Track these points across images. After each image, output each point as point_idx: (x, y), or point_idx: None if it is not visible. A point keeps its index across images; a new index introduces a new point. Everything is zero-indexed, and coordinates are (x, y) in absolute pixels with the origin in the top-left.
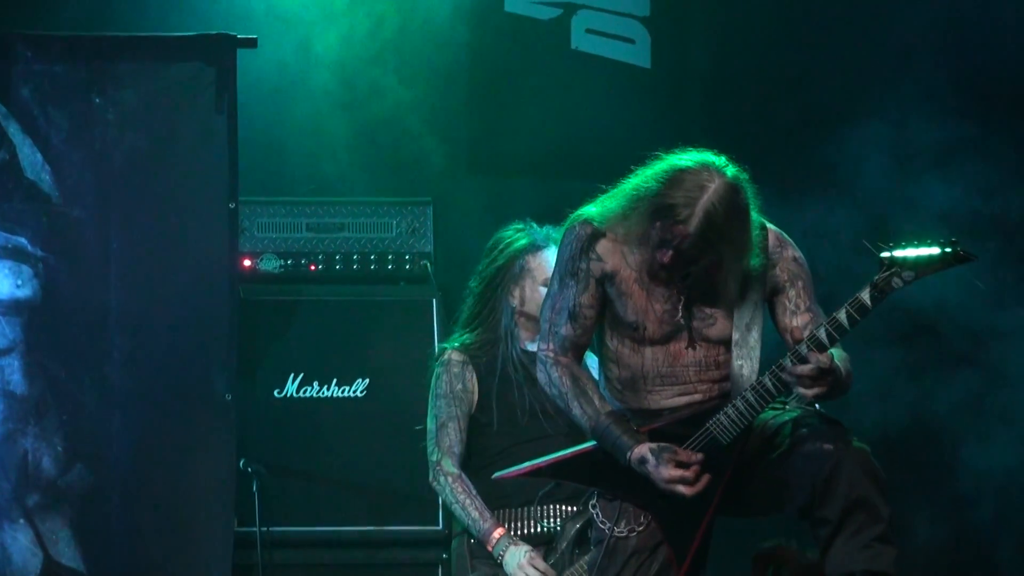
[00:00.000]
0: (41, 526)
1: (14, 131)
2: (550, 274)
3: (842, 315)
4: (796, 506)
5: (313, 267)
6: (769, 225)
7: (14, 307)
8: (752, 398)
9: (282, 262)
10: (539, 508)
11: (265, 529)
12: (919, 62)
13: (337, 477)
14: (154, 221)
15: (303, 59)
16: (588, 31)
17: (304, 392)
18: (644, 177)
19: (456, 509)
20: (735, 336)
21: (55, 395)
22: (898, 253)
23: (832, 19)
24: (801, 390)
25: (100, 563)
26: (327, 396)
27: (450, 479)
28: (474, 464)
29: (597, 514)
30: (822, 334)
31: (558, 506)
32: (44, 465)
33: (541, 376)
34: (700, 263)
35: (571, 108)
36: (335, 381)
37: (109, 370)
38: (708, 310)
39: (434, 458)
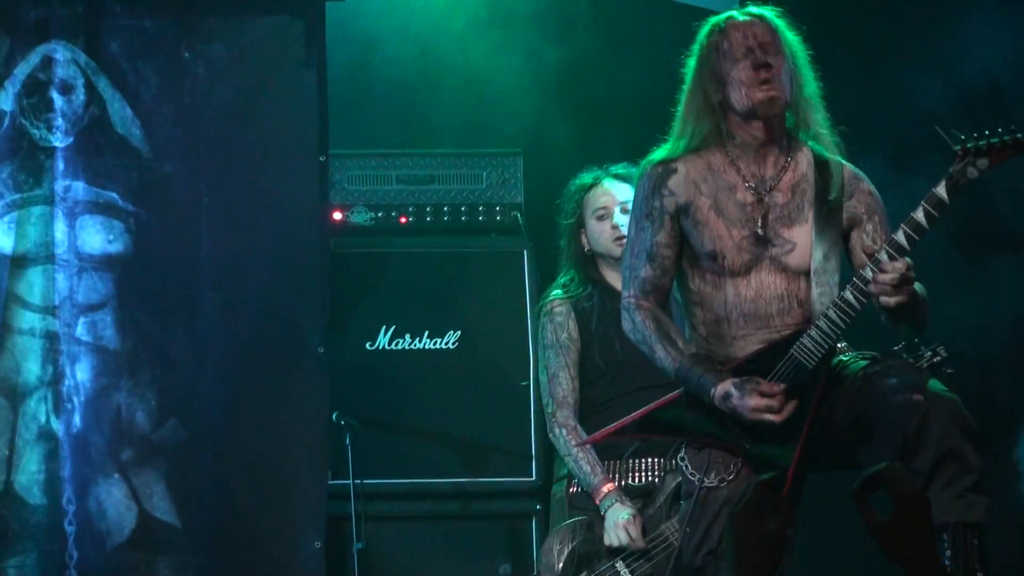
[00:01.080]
0: (135, 480)
1: (104, 86)
2: (601, 204)
3: (919, 214)
4: (887, 457)
5: (404, 219)
6: (844, 161)
7: (106, 262)
8: (835, 315)
9: (373, 215)
10: (643, 460)
11: (359, 481)
12: None
13: (429, 429)
14: (244, 175)
15: (391, 11)
16: None
17: (396, 344)
18: (683, 85)
19: (569, 461)
20: (814, 265)
21: (147, 350)
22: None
23: None
24: (883, 298)
25: (194, 517)
26: (419, 348)
27: (565, 431)
28: (582, 412)
29: (686, 466)
30: (900, 237)
31: (659, 459)
32: (137, 420)
33: (626, 324)
34: (780, 47)
35: (661, 54)
36: (427, 333)
37: (201, 324)
38: (786, 234)
39: (549, 409)
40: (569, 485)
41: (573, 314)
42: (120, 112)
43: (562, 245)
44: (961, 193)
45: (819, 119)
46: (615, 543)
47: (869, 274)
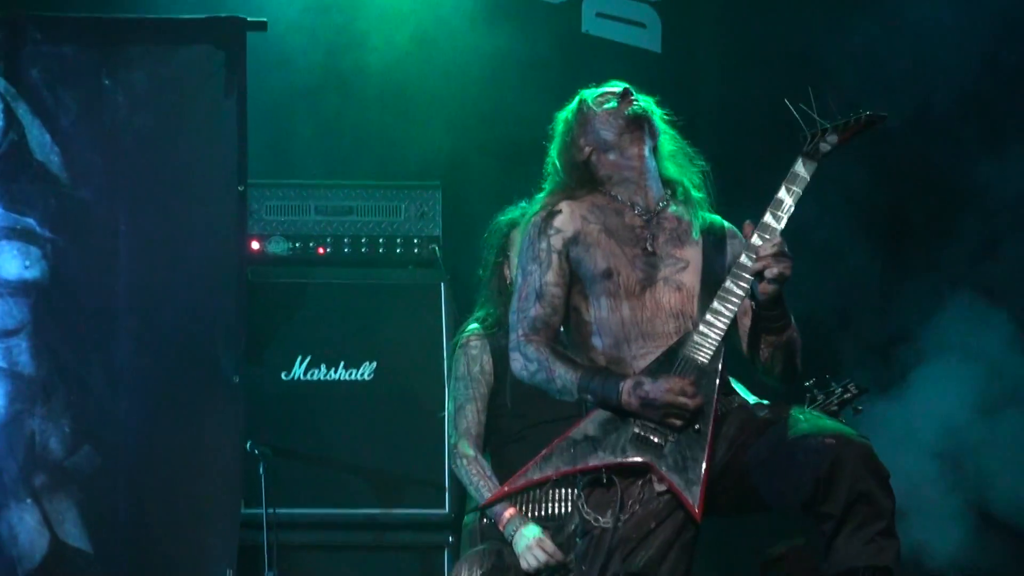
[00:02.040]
0: (48, 506)
1: (23, 112)
2: None
3: (781, 192)
4: (799, 501)
5: (321, 250)
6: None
7: (22, 288)
8: (719, 306)
9: (290, 245)
10: (555, 491)
11: (272, 511)
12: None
13: (344, 460)
14: (163, 203)
15: (312, 43)
16: (599, 15)
17: (311, 375)
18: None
19: (471, 490)
20: (703, 288)
21: (62, 376)
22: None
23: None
24: (766, 272)
25: (106, 543)
26: (334, 379)
27: (466, 461)
28: (492, 444)
29: (583, 505)
30: (767, 217)
31: (569, 489)
32: (51, 446)
33: (515, 363)
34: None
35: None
36: (342, 364)
37: (117, 352)
38: (678, 253)
39: (452, 441)
40: (481, 516)
41: (489, 349)
42: (39, 138)
43: (482, 277)
44: (820, 167)
45: (687, 175)
46: (533, 564)
47: (745, 259)
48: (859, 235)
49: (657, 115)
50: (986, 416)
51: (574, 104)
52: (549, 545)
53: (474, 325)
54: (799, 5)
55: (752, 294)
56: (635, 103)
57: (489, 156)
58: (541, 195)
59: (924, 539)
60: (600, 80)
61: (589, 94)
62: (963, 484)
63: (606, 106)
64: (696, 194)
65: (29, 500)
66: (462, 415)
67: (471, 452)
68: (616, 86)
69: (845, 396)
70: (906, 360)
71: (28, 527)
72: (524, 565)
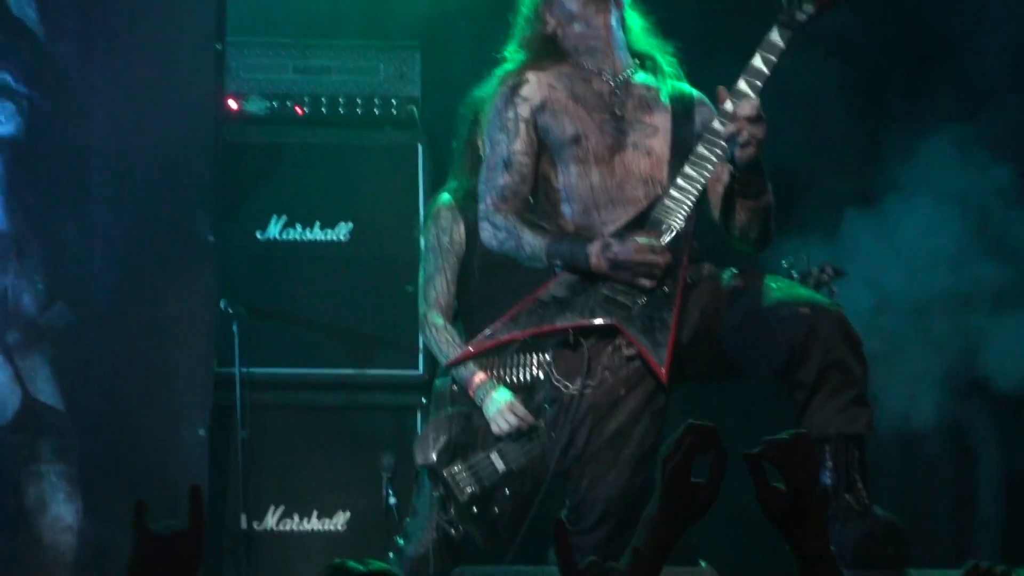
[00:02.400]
0: (20, 363)
1: None
2: None
3: (756, 60)
4: (772, 369)
5: (299, 109)
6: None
7: None
8: (691, 171)
9: (268, 104)
10: (525, 356)
11: (245, 370)
12: None
13: (318, 320)
14: (140, 61)
15: None
16: None
17: (287, 235)
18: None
19: (441, 359)
20: (672, 154)
21: (36, 233)
22: None
23: None
24: (740, 139)
25: (79, 401)
26: (310, 239)
27: (435, 330)
28: (461, 309)
29: (552, 372)
30: (741, 84)
31: (538, 354)
32: (24, 303)
33: (485, 232)
34: None
35: None
36: (318, 224)
37: (92, 209)
38: (647, 119)
39: (421, 311)
40: (452, 380)
41: (460, 219)
42: None
43: (455, 149)
44: (795, 36)
45: (655, 47)
46: (504, 428)
47: (719, 126)
48: (842, 87)
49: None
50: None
51: None
52: (520, 409)
53: (446, 196)
54: None
55: (730, 159)
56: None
57: (470, 18)
58: (506, 67)
59: (904, 402)
60: None
61: None
62: (943, 344)
63: None
64: (665, 65)
65: (1, 357)
66: (431, 286)
67: (440, 322)
68: None
69: (822, 278)
70: (892, 209)
71: (0, 384)
72: (495, 429)
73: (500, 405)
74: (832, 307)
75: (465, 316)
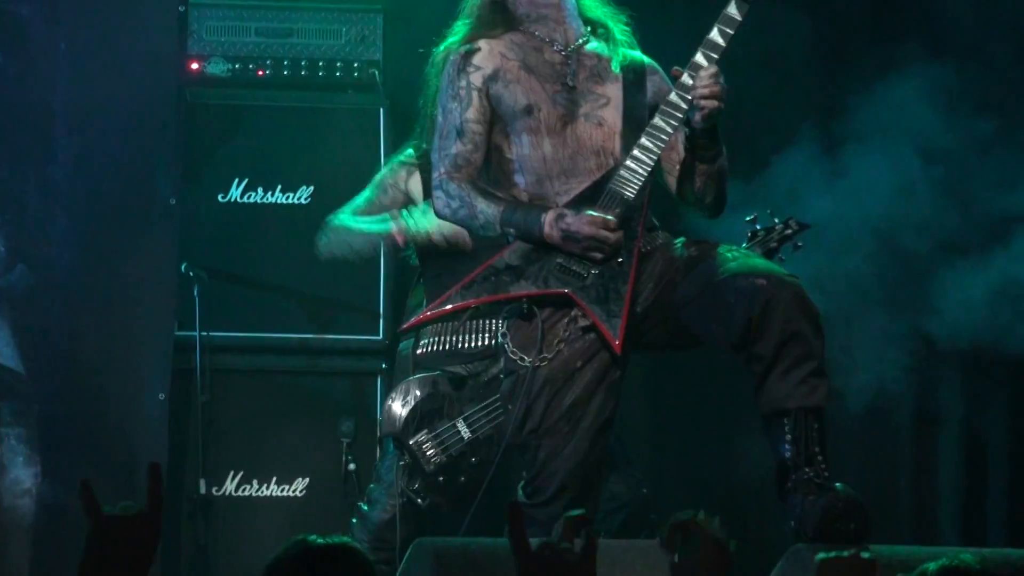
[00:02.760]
0: None
1: None
2: None
3: (713, 33)
4: (729, 341)
5: (261, 72)
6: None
7: None
8: (647, 142)
9: (230, 66)
10: (479, 322)
11: (205, 334)
12: None
13: (279, 284)
14: (102, 22)
15: None
16: None
17: (248, 197)
18: None
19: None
20: (624, 125)
21: None
22: None
23: None
24: (703, 103)
25: (38, 363)
26: (271, 202)
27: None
28: (424, 274)
29: (507, 344)
30: (698, 57)
31: (493, 320)
32: None
33: (438, 202)
34: None
35: None
36: (279, 187)
37: (53, 170)
38: (599, 90)
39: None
40: (416, 346)
41: (417, 174)
42: None
43: (422, 108)
44: (752, 8)
45: (607, 14)
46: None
47: (676, 97)
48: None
49: None
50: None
51: None
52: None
53: (409, 151)
54: None
55: (687, 122)
56: None
57: None
58: (455, 34)
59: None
60: None
61: None
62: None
63: None
64: (618, 33)
65: None
66: (354, 200)
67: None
68: None
69: (786, 232)
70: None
71: None
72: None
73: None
74: (789, 278)
75: (427, 282)
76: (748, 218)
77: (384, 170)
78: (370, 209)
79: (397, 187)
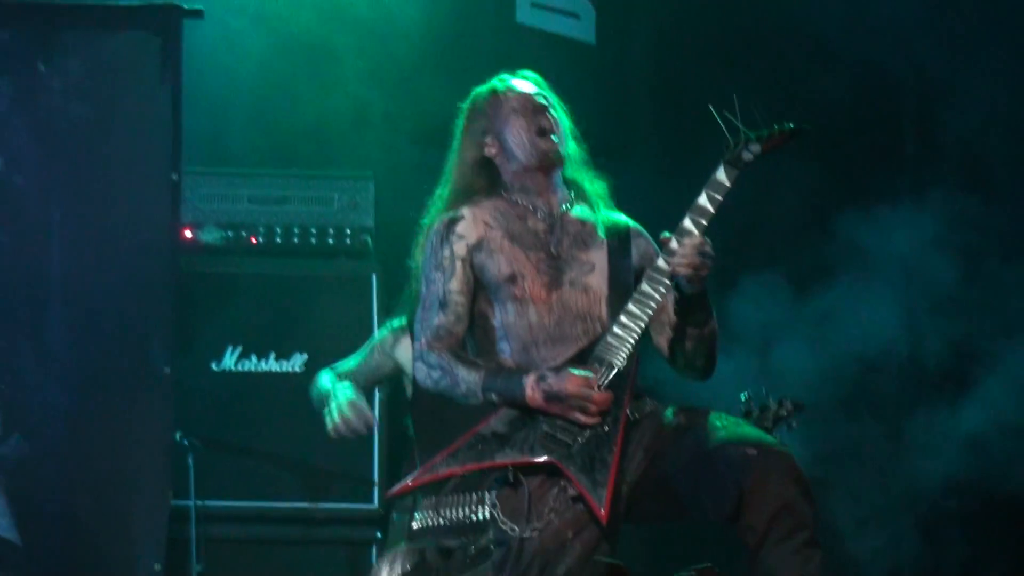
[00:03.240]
0: None
1: None
2: None
3: (702, 198)
4: (722, 514)
5: (254, 239)
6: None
7: None
8: (634, 308)
9: (223, 233)
10: (462, 495)
11: (200, 503)
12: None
13: (273, 452)
14: (97, 191)
15: (249, 30)
16: (533, 5)
17: (242, 365)
18: (453, 142)
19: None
20: (610, 290)
21: None
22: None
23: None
24: (684, 272)
25: (34, 534)
26: (265, 370)
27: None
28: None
29: (498, 514)
30: (686, 222)
31: (479, 494)
32: None
33: (419, 372)
34: (554, 108)
35: None
36: (273, 355)
37: (48, 339)
38: (583, 256)
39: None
40: (411, 519)
41: (406, 340)
42: None
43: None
44: (741, 175)
45: (587, 177)
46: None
47: (663, 264)
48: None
49: (566, 128)
50: None
51: (484, 96)
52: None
53: (401, 319)
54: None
55: (677, 288)
56: (552, 142)
57: (422, 147)
58: (442, 191)
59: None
60: (534, 70)
61: (501, 87)
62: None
63: (520, 119)
64: (598, 195)
65: None
66: (345, 361)
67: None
68: (529, 82)
69: (781, 413)
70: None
71: None
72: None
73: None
74: (780, 448)
75: (419, 451)
76: (743, 396)
77: (377, 334)
78: (358, 370)
79: (384, 351)
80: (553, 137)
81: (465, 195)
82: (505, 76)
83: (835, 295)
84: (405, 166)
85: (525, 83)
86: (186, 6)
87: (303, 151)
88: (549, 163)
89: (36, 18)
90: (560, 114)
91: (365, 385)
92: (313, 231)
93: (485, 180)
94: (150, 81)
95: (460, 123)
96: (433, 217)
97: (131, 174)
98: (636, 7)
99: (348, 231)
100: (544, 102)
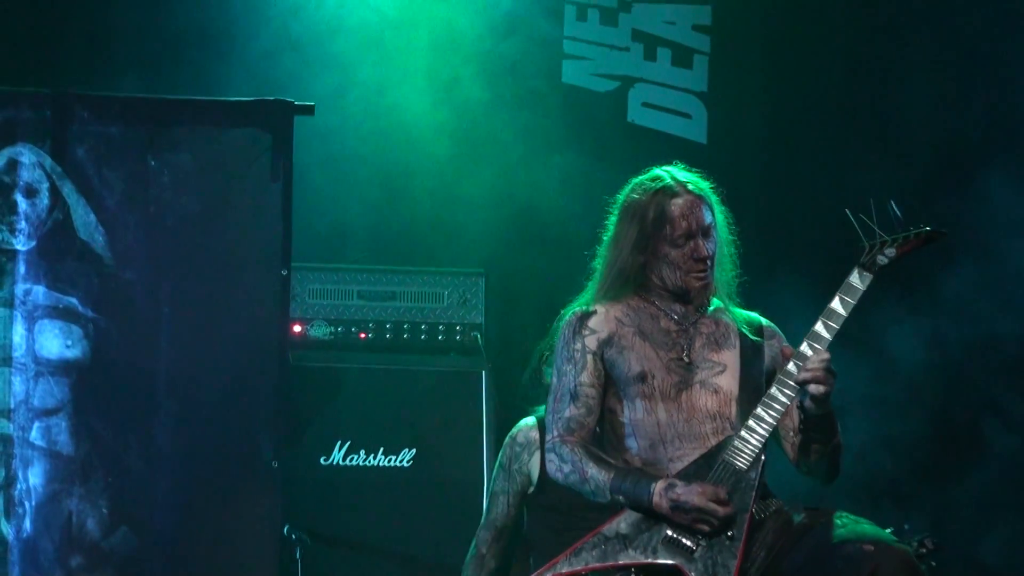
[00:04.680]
0: None
1: (68, 191)
2: None
3: (835, 303)
4: None
5: (363, 335)
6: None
7: (63, 368)
8: (762, 412)
9: (332, 329)
10: None
11: None
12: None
13: (380, 547)
14: (206, 285)
15: (360, 127)
16: (644, 104)
17: (350, 460)
18: (608, 236)
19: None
20: (741, 391)
21: (101, 456)
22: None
23: (892, 94)
24: (811, 388)
25: None
26: (373, 465)
27: (473, 552)
28: (524, 541)
29: None
30: (819, 327)
31: None
32: (88, 527)
33: (551, 465)
34: (712, 230)
35: (626, 181)
36: (381, 450)
37: (156, 433)
38: (715, 357)
39: (482, 521)
40: None
41: (536, 449)
42: (84, 218)
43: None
44: (876, 279)
45: (730, 279)
46: None
47: (793, 368)
48: None
49: (724, 244)
50: None
51: (647, 199)
52: None
53: (531, 419)
54: (841, 98)
55: (801, 403)
56: (702, 278)
57: (533, 245)
58: (591, 283)
59: None
60: (646, 169)
61: (667, 192)
62: None
63: (678, 251)
64: (735, 298)
65: None
66: (495, 503)
67: (483, 550)
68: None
69: (920, 551)
70: None
71: None
72: None
73: None
74: (897, 545)
75: (529, 549)
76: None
77: (507, 449)
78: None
79: (520, 471)
80: (706, 275)
81: (611, 296)
82: (674, 182)
83: None
84: (516, 264)
85: (694, 200)
86: (297, 103)
87: (413, 248)
88: (696, 298)
89: (146, 113)
90: (721, 225)
91: None
92: (423, 327)
93: (634, 282)
94: (261, 177)
95: (621, 214)
96: (572, 307)
97: (241, 269)
98: (746, 107)
99: (458, 328)
100: (709, 223)
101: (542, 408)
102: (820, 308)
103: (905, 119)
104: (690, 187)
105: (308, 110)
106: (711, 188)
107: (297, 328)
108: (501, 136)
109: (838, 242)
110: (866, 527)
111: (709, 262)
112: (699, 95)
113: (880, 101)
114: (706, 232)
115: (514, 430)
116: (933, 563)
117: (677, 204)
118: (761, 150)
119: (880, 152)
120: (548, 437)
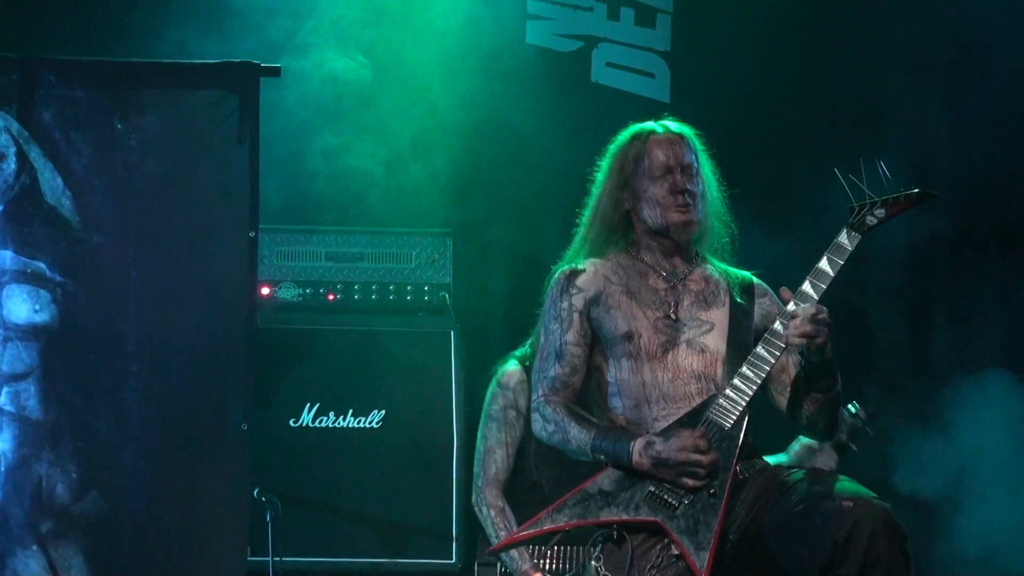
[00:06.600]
0: (54, 553)
1: (35, 155)
2: None
3: (823, 262)
4: (816, 565)
5: (331, 296)
6: (745, 272)
7: (31, 332)
8: (748, 371)
9: (300, 291)
10: (564, 547)
11: (278, 560)
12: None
13: (351, 508)
14: (173, 249)
15: (326, 89)
16: (608, 64)
17: (320, 422)
18: (595, 183)
19: (492, 540)
20: (728, 350)
21: (70, 421)
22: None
23: (854, 54)
24: (796, 342)
25: None
26: (343, 426)
27: (493, 512)
28: (516, 487)
29: (600, 568)
30: (807, 287)
31: (583, 547)
32: (58, 491)
33: (535, 424)
34: (697, 169)
35: (590, 140)
36: (351, 411)
37: (125, 397)
38: (703, 316)
39: (478, 483)
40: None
41: (526, 389)
42: (51, 182)
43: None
44: (864, 239)
45: (721, 231)
46: None
47: (779, 327)
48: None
49: (710, 187)
50: None
51: (629, 143)
52: None
53: (514, 361)
54: (810, 58)
55: (800, 353)
56: (685, 214)
57: (500, 204)
58: (579, 236)
59: None
60: (609, 129)
61: (647, 136)
62: None
63: (658, 186)
64: (725, 254)
65: (35, 547)
66: (492, 459)
67: (499, 502)
68: (677, 135)
69: (855, 424)
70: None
71: (33, 574)
72: None
73: None
74: (877, 501)
75: (520, 495)
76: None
77: (499, 397)
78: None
79: (519, 416)
80: (688, 209)
81: (598, 246)
82: (654, 125)
83: None
84: (483, 224)
85: (673, 138)
86: (263, 64)
87: (380, 209)
88: (679, 235)
89: (112, 77)
90: (707, 173)
91: None
92: (391, 288)
93: (621, 233)
94: (227, 138)
95: (604, 165)
96: (561, 264)
97: (208, 232)
98: (709, 66)
99: (427, 288)
100: (690, 161)
101: (519, 351)
102: (801, 269)
103: (871, 77)
104: (671, 127)
105: (274, 72)
106: (697, 135)
107: (265, 290)
108: (464, 96)
109: (804, 202)
110: (846, 483)
111: (690, 198)
112: (662, 54)
113: (845, 59)
114: (686, 169)
115: (499, 375)
116: (871, 432)
117: (655, 139)
118: (725, 109)
119: (845, 110)
120: (534, 395)
